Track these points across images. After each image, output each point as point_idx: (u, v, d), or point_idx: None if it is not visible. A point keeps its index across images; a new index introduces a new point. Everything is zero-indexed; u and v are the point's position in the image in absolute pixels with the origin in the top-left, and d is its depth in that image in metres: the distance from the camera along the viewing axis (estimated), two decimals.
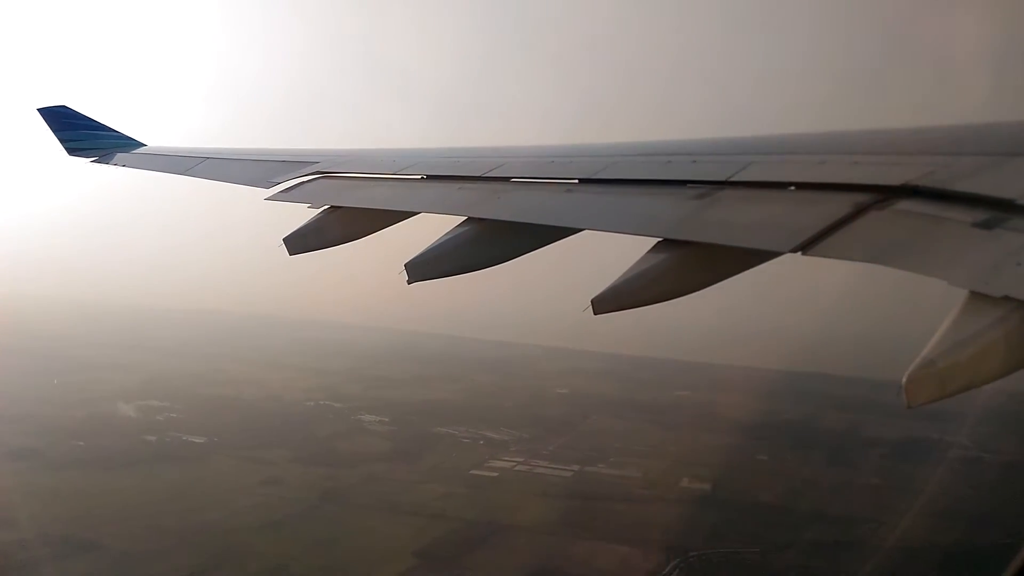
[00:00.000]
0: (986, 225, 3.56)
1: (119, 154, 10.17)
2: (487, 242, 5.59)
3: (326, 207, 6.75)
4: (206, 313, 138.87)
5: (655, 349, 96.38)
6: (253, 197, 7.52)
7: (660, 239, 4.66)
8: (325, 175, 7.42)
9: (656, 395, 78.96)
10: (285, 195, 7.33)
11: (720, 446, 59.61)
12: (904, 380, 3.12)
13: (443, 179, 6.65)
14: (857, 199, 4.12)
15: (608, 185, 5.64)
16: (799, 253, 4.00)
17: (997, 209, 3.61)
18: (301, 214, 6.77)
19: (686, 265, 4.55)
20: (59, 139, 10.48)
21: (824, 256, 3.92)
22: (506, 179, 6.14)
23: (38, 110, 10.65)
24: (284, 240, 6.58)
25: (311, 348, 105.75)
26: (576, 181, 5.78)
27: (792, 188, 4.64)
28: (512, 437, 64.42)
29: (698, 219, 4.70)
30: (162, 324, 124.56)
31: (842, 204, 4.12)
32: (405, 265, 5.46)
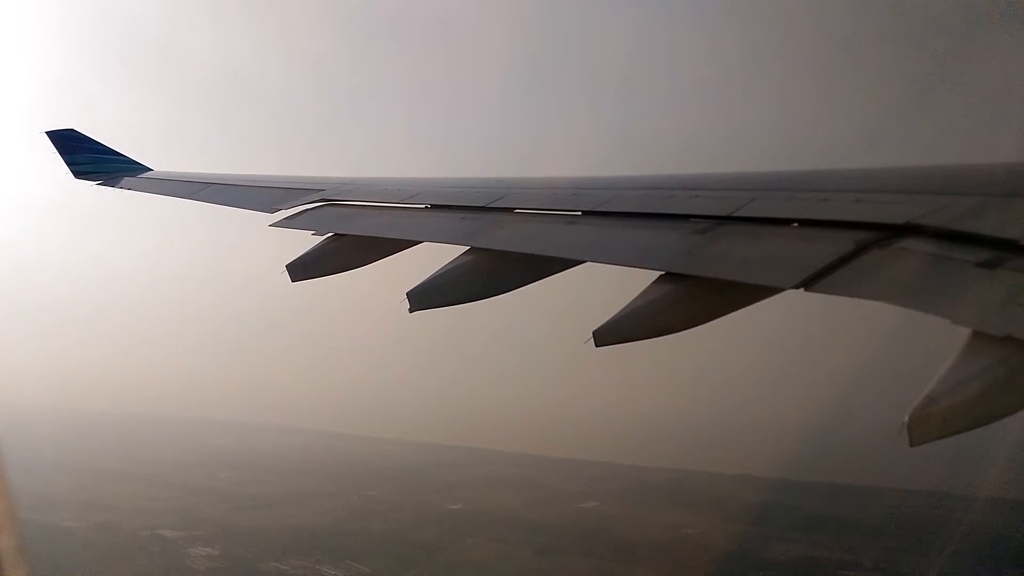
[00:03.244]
0: (989, 265, 3.56)
1: (125, 178, 10.24)
2: (489, 272, 5.59)
3: (330, 234, 6.77)
4: (135, 417, 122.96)
5: (602, 452, 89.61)
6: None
7: (662, 272, 4.67)
8: (330, 203, 7.45)
9: (559, 509, 71.08)
10: (289, 221, 7.34)
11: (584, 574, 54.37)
12: (907, 419, 3.10)
13: (447, 209, 6.67)
14: (859, 237, 4.12)
15: (611, 218, 5.65)
16: (801, 289, 4.00)
17: (1000, 249, 3.61)
18: (304, 241, 6.80)
19: (688, 299, 4.54)
20: (66, 162, 10.55)
21: (826, 293, 3.92)
22: (510, 210, 6.16)
23: (46, 133, 10.74)
24: (287, 267, 6.59)
25: (219, 457, 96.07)
26: (579, 213, 5.80)
27: (795, 225, 4.65)
28: (350, 573, 56.55)
29: (701, 253, 4.70)
30: (83, 427, 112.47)
31: (845, 241, 4.12)
32: (407, 294, 5.45)
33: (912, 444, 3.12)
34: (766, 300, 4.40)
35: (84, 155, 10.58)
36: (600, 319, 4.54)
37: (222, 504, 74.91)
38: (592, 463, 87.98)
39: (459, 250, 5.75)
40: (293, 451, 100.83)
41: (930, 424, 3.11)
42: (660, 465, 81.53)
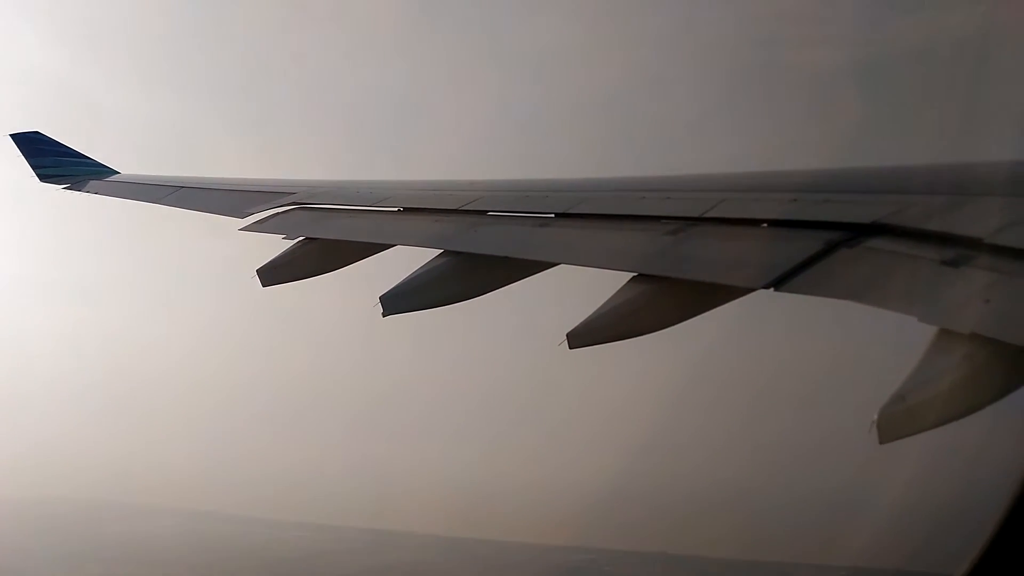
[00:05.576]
0: (954, 263, 3.62)
1: (92, 181, 10.10)
2: (463, 275, 5.59)
3: (301, 238, 6.72)
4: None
5: (520, 531, 77.70)
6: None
7: (635, 274, 4.69)
8: (301, 206, 7.40)
9: None
10: (260, 225, 7.29)
11: None
12: (876, 417, 3.14)
13: (420, 212, 6.66)
14: (828, 237, 4.17)
15: (583, 220, 5.68)
16: (771, 289, 4.04)
17: (965, 247, 3.68)
18: (275, 245, 6.75)
19: (660, 300, 4.57)
20: (31, 165, 10.40)
21: (796, 292, 3.97)
22: (482, 212, 6.16)
23: (11, 136, 10.58)
24: (258, 271, 6.53)
25: (102, 547, 77.38)
26: (552, 215, 5.82)
27: (764, 225, 4.70)
28: None
29: (672, 254, 4.74)
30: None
31: (813, 241, 4.17)
32: (380, 298, 5.43)
33: (881, 442, 3.16)
34: (734, 302, 4.45)
35: (50, 158, 10.42)
36: (571, 322, 4.56)
37: None
38: (507, 545, 77.74)
39: (432, 253, 5.75)
40: (190, 538, 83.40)
41: (899, 422, 3.15)
42: (580, 544, 72.96)
